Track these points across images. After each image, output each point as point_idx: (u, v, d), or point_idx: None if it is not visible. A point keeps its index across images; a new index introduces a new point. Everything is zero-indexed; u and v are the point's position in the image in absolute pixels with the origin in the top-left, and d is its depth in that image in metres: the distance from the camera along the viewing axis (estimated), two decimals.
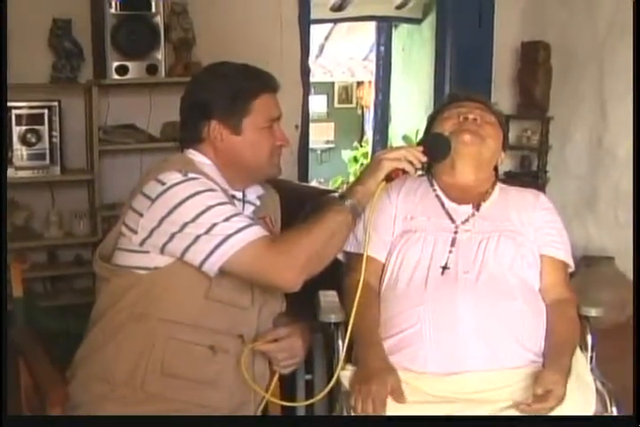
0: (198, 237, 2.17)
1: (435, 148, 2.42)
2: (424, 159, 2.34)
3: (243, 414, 2.37)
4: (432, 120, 2.70)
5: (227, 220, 2.17)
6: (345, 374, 2.35)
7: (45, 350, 2.55)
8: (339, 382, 2.36)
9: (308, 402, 2.46)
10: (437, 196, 2.59)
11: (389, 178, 2.28)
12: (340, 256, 2.53)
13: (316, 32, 9.09)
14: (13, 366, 2.65)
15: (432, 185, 2.63)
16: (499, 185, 2.66)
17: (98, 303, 2.37)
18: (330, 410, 2.43)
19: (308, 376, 2.57)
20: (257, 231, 2.20)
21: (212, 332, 2.28)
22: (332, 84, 13.96)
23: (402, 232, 2.53)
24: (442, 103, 2.80)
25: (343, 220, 2.24)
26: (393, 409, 2.22)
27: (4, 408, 2.19)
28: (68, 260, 5.35)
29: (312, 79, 6.48)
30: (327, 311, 2.46)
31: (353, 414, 2.24)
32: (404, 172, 2.30)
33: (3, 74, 3.20)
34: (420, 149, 2.35)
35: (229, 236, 2.16)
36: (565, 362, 2.32)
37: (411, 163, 2.29)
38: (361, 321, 2.40)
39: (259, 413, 2.42)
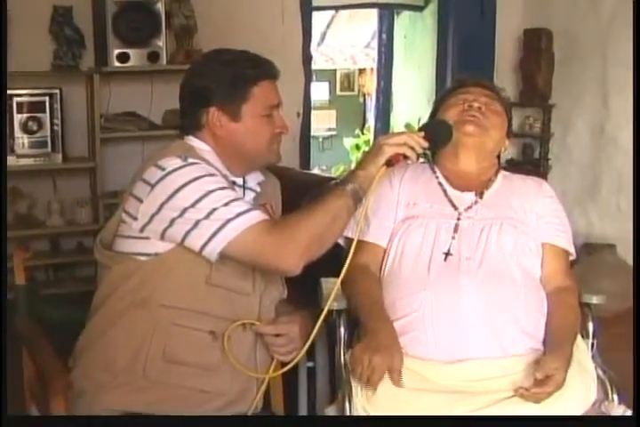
0: (198, 222, 2.17)
1: (436, 133, 2.41)
2: (425, 145, 2.33)
3: (245, 400, 2.38)
4: (437, 105, 2.68)
5: (226, 204, 2.17)
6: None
7: (48, 338, 2.55)
8: (340, 370, 2.37)
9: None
10: (440, 183, 2.59)
11: (390, 163, 2.27)
12: (342, 241, 2.53)
13: (318, 19, 9.06)
14: (15, 354, 2.65)
15: (434, 172, 2.62)
16: (502, 173, 2.65)
17: (99, 290, 2.37)
18: (332, 398, 2.43)
19: (310, 364, 2.57)
20: (257, 216, 2.20)
21: (214, 318, 2.29)
22: (334, 71, 13.93)
23: (404, 218, 2.52)
24: (448, 88, 2.78)
25: (344, 204, 2.24)
26: (398, 399, 2.24)
27: (4, 408, 2.19)
28: (70, 248, 5.38)
29: (314, 66, 6.49)
30: (329, 298, 2.46)
31: (354, 390, 2.25)
32: (405, 157, 2.29)
33: (3, 71, 3.18)
34: (422, 134, 2.35)
35: (229, 220, 2.16)
36: (567, 349, 2.32)
37: (412, 148, 2.29)
38: (365, 302, 2.40)
39: (260, 399, 2.43)
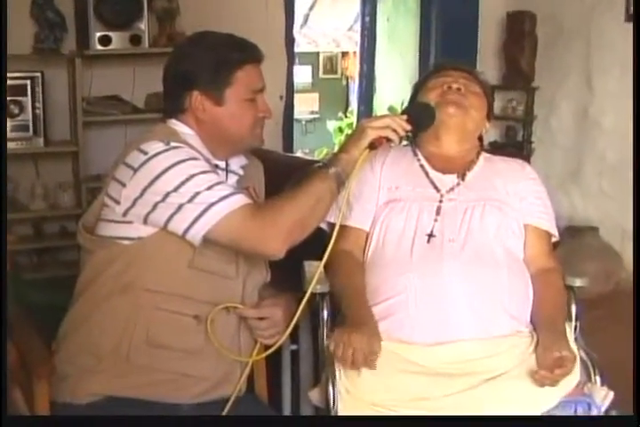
0: (181, 206, 2.16)
1: (419, 116, 2.41)
2: (408, 128, 2.33)
3: (228, 383, 2.38)
4: (417, 89, 2.69)
5: (209, 188, 2.17)
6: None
7: (31, 322, 2.55)
8: (323, 353, 2.37)
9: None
10: (422, 165, 2.59)
11: (373, 146, 2.27)
12: (325, 226, 2.54)
13: (301, 2, 9.04)
14: None
15: (416, 155, 2.62)
16: (483, 154, 2.66)
17: (82, 275, 2.36)
18: (315, 381, 2.44)
19: (294, 347, 2.58)
20: (240, 199, 2.19)
21: (197, 302, 2.28)
22: (317, 54, 13.90)
23: (387, 201, 2.53)
24: (427, 72, 2.80)
25: (327, 187, 2.24)
26: (382, 380, 2.24)
27: (4, 408, 2.19)
28: (54, 232, 5.36)
29: (296, 49, 6.48)
30: (312, 282, 2.46)
31: (337, 373, 2.26)
32: (388, 140, 2.29)
33: (2, 68, 3.14)
34: (405, 117, 2.35)
35: (212, 204, 2.15)
36: (562, 329, 2.36)
37: (395, 131, 2.29)
38: (346, 289, 2.42)
39: (244, 382, 2.43)
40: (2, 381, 2.16)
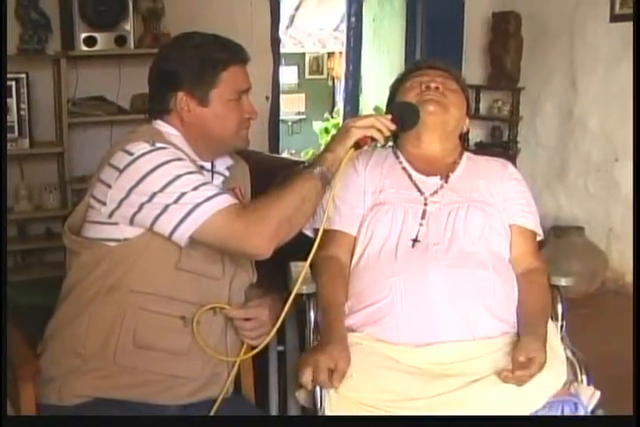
0: (167, 206, 2.16)
1: (403, 116, 2.41)
2: (393, 127, 2.33)
3: (215, 384, 2.38)
4: (395, 89, 2.69)
5: (195, 189, 2.16)
6: None
7: (16, 324, 2.54)
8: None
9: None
10: (404, 168, 2.59)
11: (358, 146, 2.27)
12: (310, 233, 2.53)
13: (287, 2, 9.04)
14: None
15: (397, 158, 2.62)
16: (466, 154, 2.67)
17: (68, 277, 2.35)
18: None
19: (281, 348, 2.57)
20: (226, 199, 2.19)
21: (183, 303, 2.28)
22: (303, 55, 13.91)
23: (372, 206, 2.52)
24: (403, 72, 2.79)
25: (312, 187, 2.23)
26: (370, 380, 2.25)
27: (4, 408, 2.18)
28: (39, 233, 5.35)
29: (282, 50, 6.48)
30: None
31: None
32: (373, 139, 2.29)
33: (2, 69, 3.13)
34: (389, 117, 2.35)
35: (198, 204, 2.15)
36: (542, 330, 2.35)
37: (379, 131, 2.29)
38: (323, 299, 2.43)
39: (231, 383, 2.43)
40: (2, 381, 2.16)
